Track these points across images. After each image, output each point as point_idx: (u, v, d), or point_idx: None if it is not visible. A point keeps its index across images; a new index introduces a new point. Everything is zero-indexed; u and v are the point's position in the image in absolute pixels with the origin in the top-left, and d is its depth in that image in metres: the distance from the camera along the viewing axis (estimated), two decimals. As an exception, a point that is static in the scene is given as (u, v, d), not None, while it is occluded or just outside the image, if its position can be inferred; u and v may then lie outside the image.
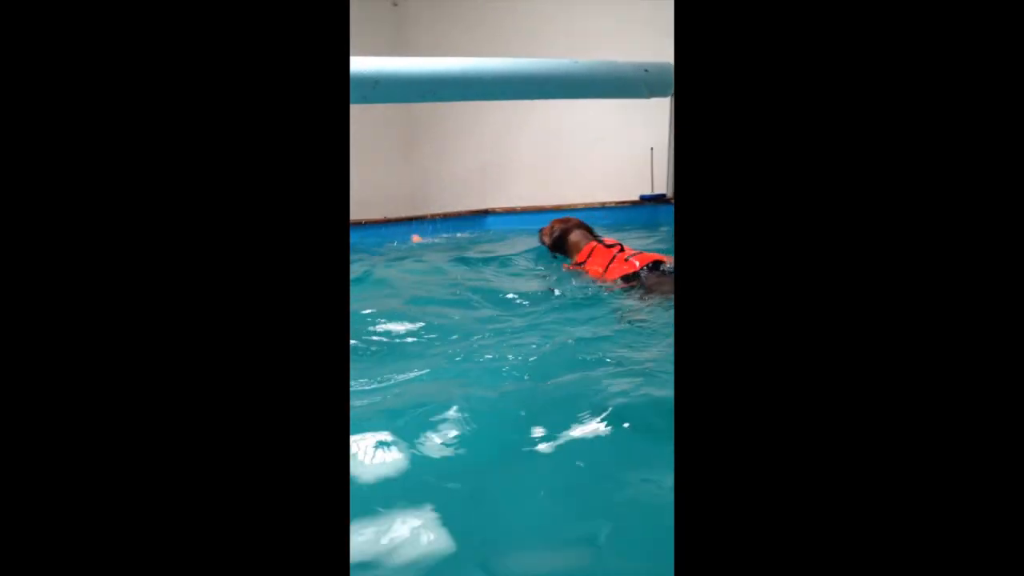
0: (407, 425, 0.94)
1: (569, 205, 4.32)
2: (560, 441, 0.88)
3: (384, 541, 0.64)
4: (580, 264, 2.24)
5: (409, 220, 4.19)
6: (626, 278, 1.94)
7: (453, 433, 0.91)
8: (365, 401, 1.04)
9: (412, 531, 0.65)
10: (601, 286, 1.99)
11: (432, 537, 0.64)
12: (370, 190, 6.17)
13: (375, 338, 1.43)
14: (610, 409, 0.96)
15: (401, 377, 1.18)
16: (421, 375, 1.19)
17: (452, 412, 0.98)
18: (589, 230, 2.44)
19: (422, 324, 1.54)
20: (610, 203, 4.21)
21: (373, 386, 1.14)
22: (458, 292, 1.96)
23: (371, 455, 0.84)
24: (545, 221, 3.07)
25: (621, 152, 4.40)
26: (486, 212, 4.55)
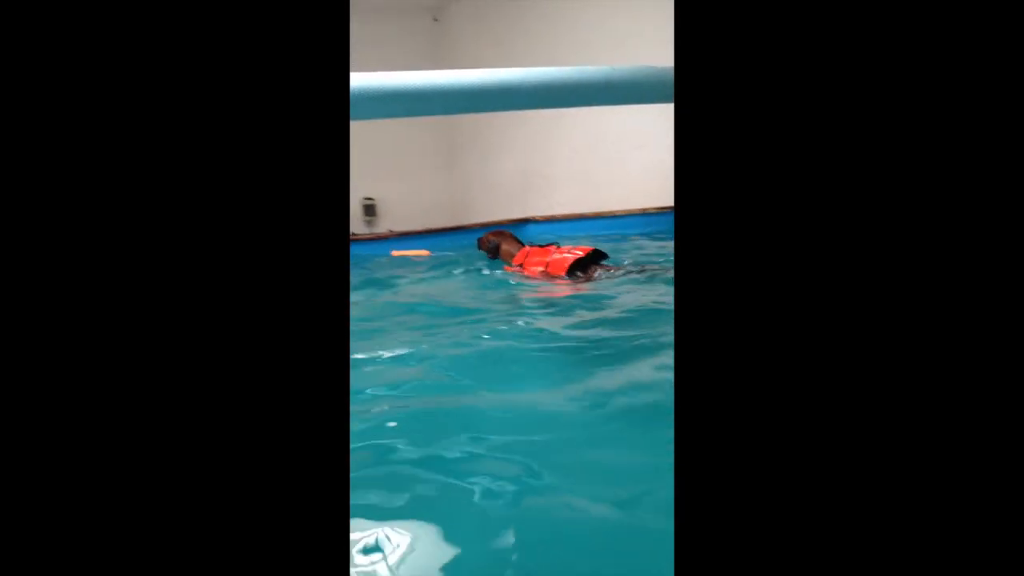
0: (404, 426, 0.96)
1: (610, 212, 4.32)
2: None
3: (383, 543, 0.65)
4: (519, 266, 2.70)
5: (452, 230, 4.24)
6: (572, 266, 2.38)
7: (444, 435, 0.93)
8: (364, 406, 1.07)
9: (413, 529, 0.66)
10: (539, 282, 2.42)
11: (432, 535, 0.65)
12: (411, 202, 6.28)
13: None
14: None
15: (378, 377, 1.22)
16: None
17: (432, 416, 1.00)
18: (518, 240, 2.99)
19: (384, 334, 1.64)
20: (651, 209, 4.18)
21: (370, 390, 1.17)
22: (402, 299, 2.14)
23: (371, 462, 0.85)
24: (587, 228, 3.48)
25: (663, 158, 4.38)
26: (527, 220, 4.58)
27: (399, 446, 0.89)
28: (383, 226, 6.09)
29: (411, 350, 1.42)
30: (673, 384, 0.40)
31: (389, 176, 6.25)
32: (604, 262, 2.49)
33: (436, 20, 5.94)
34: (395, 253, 3.68)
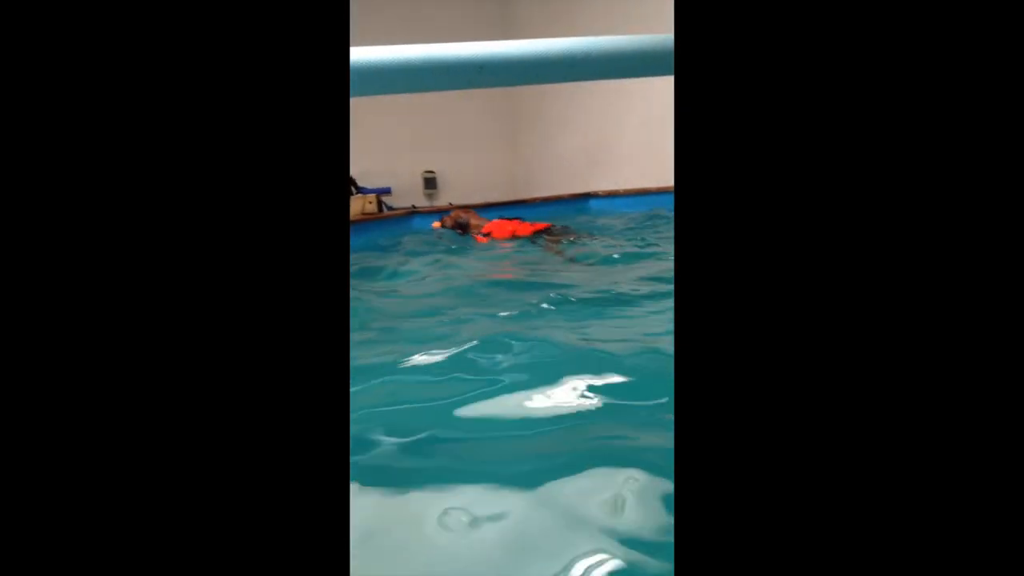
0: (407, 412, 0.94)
1: (672, 188, 4.18)
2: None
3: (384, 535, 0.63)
4: (487, 235, 3.08)
5: (511, 204, 4.21)
6: (536, 233, 2.91)
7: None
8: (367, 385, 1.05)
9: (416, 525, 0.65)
10: (504, 242, 2.90)
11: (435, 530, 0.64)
12: (472, 175, 6.29)
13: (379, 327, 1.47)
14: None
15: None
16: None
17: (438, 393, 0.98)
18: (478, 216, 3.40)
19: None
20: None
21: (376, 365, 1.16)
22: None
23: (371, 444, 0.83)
24: (650, 203, 3.76)
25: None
26: (588, 196, 4.49)
27: (389, 439, 0.87)
28: (444, 199, 6.13)
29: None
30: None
31: (451, 149, 6.26)
32: (567, 232, 2.96)
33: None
34: (436, 225, 3.73)
